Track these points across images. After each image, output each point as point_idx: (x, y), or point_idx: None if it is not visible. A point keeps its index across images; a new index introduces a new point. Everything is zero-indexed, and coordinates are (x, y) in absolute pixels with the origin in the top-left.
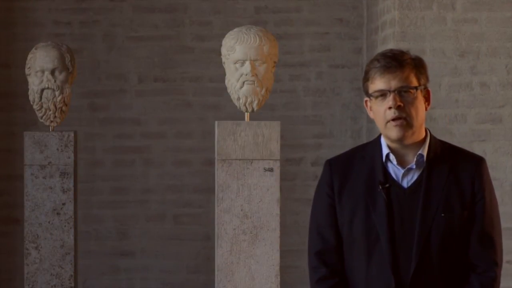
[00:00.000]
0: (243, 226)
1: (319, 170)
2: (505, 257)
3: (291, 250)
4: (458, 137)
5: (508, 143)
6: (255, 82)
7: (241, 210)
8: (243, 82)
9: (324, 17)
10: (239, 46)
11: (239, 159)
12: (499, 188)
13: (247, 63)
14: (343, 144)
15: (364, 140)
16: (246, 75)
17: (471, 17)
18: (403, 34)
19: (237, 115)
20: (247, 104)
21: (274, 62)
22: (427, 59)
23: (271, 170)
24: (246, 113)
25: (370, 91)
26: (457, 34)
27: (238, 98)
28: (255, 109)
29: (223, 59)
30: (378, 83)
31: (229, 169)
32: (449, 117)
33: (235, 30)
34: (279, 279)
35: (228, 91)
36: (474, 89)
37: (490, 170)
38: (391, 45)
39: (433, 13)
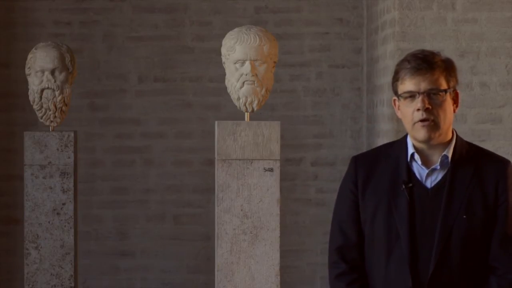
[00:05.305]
0: (243, 226)
1: (319, 170)
2: None
3: (291, 250)
4: None
5: (508, 143)
6: (255, 82)
7: (241, 210)
8: (243, 82)
9: (324, 17)
10: (239, 46)
11: (239, 159)
12: None
13: (247, 63)
14: (343, 144)
15: (364, 140)
16: (246, 75)
17: (471, 17)
18: (403, 34)
19: (237, 115)
20: (247, 104)
21: (274, 62)
22: None
23: (271, 170)
24: (246, 113)
25: (400, 91)
26: (457, 34)
27: (238, 98)
28: (255, 109)
29: (223, 59)
30: (407, 84)
31: (229, 169)
32: None
33: (235, 30)
34: (279, 279)
35: (228, 91)
36: (474, 89)
37: None
38: (391, 45)
39: (433, 13)
